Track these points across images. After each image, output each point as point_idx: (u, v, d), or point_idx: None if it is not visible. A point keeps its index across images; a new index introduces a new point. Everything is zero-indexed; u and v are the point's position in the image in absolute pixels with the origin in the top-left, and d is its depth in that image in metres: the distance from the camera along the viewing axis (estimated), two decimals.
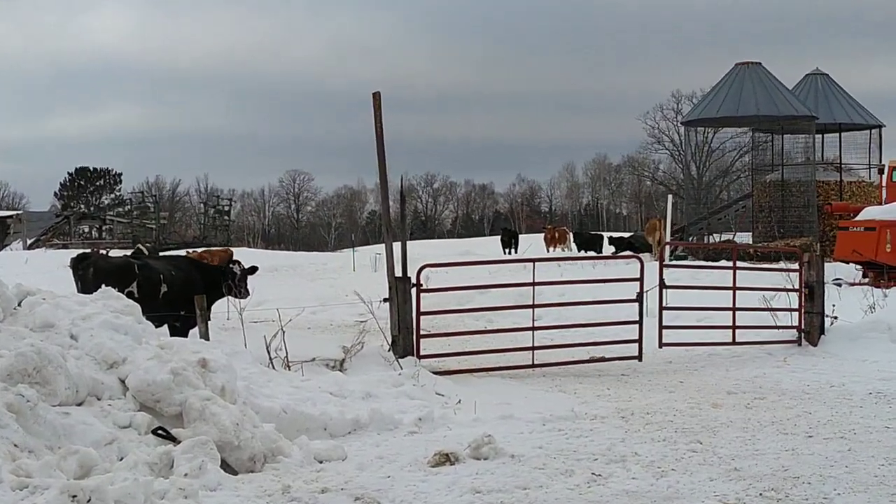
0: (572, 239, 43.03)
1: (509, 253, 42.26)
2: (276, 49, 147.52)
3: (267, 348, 12.10)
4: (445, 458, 8.14)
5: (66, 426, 7.74)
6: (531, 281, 14.62)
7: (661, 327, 15.02)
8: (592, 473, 7.77)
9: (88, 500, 6.28)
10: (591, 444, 8.87)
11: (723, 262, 22.92)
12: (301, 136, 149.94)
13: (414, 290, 13.73)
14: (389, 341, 13.72)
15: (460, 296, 18.21)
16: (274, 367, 11.83)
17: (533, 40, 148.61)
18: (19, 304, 9.73)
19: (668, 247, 26.47)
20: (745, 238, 36.80)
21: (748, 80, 34.99)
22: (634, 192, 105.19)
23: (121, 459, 7.54)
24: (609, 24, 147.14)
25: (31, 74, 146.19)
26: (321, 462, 8.33)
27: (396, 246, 14.03)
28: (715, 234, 37.41)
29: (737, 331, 15.52)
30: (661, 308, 15.12)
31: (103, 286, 10.83)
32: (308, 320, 17.75)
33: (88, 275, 13.59)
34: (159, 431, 8.27)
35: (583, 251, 40.63)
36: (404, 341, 13.56)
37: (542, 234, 44.78)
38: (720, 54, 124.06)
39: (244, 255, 31.57)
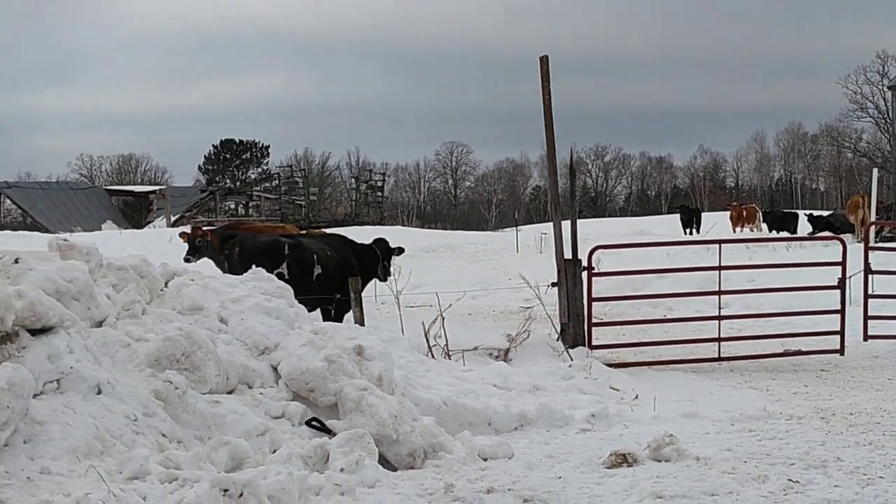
0: (762, 218, 42.15)
1: (690, 233, 41.72)
2: (435, 11, 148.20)
3: (426, 335, 12.24)
4: (622, 459, 8.08)
5: (217, 415, 7.99)
6: (716, 265, 14.40)
7: (867, 317, 14.60)
8: (789, 480, 7.61)
9: (240, 495, 6.44)
10: (787, 448, 8.67)
11: None
12: (459, 105, 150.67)
13: (585, 274, 13.68)
14: (558, 330, 13.71)
15: (636, 280, 18.05)
16: (433, 356, 11.97)
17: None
18: (166, 286, 10.09)
19: (873, 227, 25.62)
20: None
21: None
22: (833, 166, 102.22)
23: (273, 452, 7.74)
24: None
25: (175, 43, 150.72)
26: (486, 459, 8.38)
27: (565, 225, 13.99)
28: None
29: None
30: (867, 296, 14.68)
31: (253, 267, 11.12)
32: (468, 305, 17.89)
33: (234, 255, 13.96)
34: (313, 423, 8.46)
35: (775, 231, 39.81)
36: (574, 330, 13.53)
37: (728, 213, 43.99)
38: None
39: (398, 234, 32.01)
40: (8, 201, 73.91)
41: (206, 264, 15.88)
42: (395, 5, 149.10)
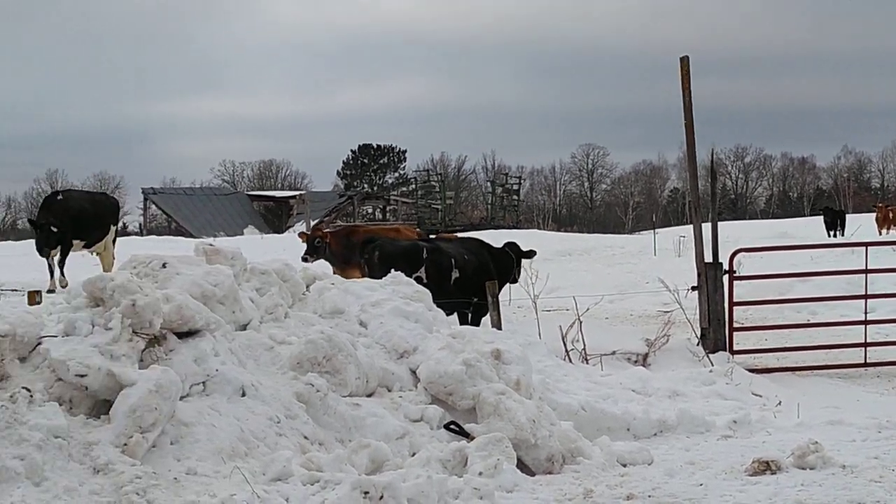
0: None
1: (834, 235, 40.73)
2: (573, 13, 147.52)
3: (563, 339, 12.21)
4: (766, 466, 7.94)
5: (357, 418, 8.09)
6: (862, 268, 14.05)
7: None
8: None
9: (381, 498, 6.51)
10: None
11: None
12: (596, 107, 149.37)
13: (726, 278, 13.49)
14: (698, 334, 13.55)
15: (778, 284, 17.74)
16: (570, 361, 11.94)
17: None
18: (307, 289, 10.26)
19: None
20: None
21: None
22: None
23: (412, 455, 7.80)
24: None
25: (317, 48, 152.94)
26: (625, 465, 8.32)
27: (705, 227, 13.82)
28: None
29: None
30: None
31: (391, 271, 11.22)
32: (605, 309, 17.76)
33: (374, 259, 14.11)
34: (452, 426, 8.50)
35: None
36: (715, 334, 13.36)
37: (874, 214, 42.82)
38: None
39: (534, 238, 31.97)
40: (153, 207, 76.02)
41: (321, 265, 16.23)
42: (533, 8, 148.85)
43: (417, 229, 25.09)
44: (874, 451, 8.64)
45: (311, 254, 17.63)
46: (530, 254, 15.82)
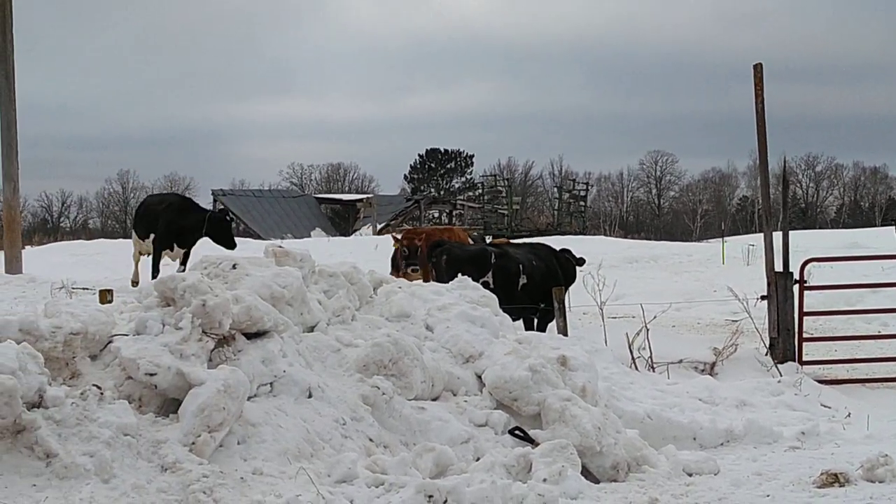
0: None
1: None
2: (643, 17, 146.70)
3: (629, 347, 12.15)
4: (834, 479, 7.84)
5: (422, 422, 8.11)
6: None
7: None
8: None
9: (445, 502, 6.54)
10: None
11: None
12: (665, 113, 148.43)
13: (796, 287, 13.35)
14: (767, 344, 13.42)
15: (849, 294, 17.53)
16: (637, 368, 11.88)
17: None
18: (374, 292, 10.30)
19: None
20: None
21: None
22: None
23: (477, 459, 7.81)
24: None
25: (390, 52, 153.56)
26: (690, 475, 8.26)
27: (775, 236, 13.69)
28: None
29: None
30: None
31: (459, 275, 11.23)
32: (672, 318, 17.63)
33: (442, 263, 14.12)
34: (516, 432, 8.49)
35: None
36: (784, 344, 13.23)
37: None
38: None
39: (601, 245, 31.83)
40: (223, 208, 76.75)
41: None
42: (602, 14, 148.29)
43: (474, 233, 25.05)
44: None
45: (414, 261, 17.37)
46: (581, 262, 15.82)
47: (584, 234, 56.44)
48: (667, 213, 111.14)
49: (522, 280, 14.27)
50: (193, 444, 6.70)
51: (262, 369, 7.60)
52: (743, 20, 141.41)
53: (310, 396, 7.67)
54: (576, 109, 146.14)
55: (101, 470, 6.29)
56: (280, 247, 9.72)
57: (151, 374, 7.08)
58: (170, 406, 7.14)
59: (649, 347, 12.28)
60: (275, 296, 8.37)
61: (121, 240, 41.14)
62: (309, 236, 58.12)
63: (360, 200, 77.00)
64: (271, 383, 7.62)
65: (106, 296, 10.10)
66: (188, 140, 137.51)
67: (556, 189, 79.82)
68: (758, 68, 13.42)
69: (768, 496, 7.60)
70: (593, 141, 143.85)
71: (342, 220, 76.02)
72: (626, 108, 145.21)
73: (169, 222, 17.52)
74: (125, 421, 6.67)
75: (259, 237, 53.14)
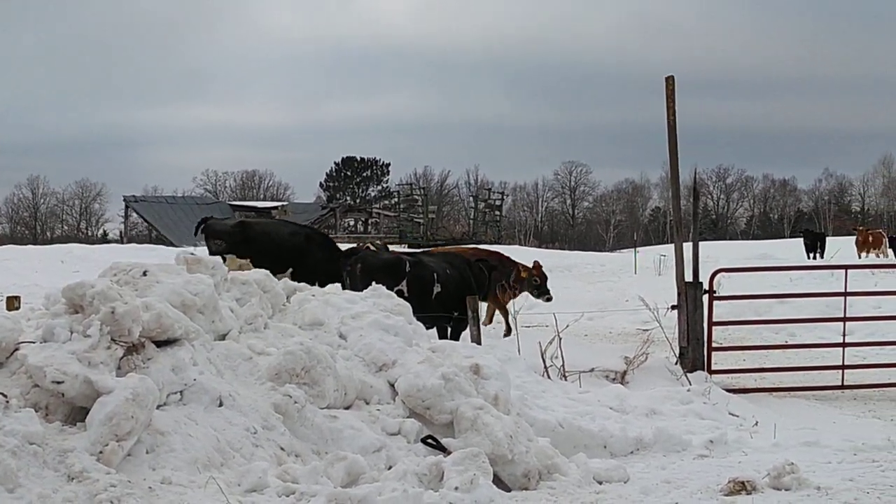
0: (889, 244, 41.14)
1: (814, 258, 40.87)
2: (561, 29, 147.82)
3: (542, 356, 12.21)
4: (741, 487, 7.95)
5: (334, 430, 8.07)
6: (841, 290, 14.11)
7: None
8: None
9: None
10: None
11: None
12: (580, 123, 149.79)
13: (706, 297, 13.52)
14: (677, 353, 13.58)
15: (758, 305, 17.80)
16: (549, 377, 11.94)
17: (864, 16, 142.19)
18: (288, 300, 10.24)
19: None
20: None
21: None
22: None
23: (389, 468, 7.78)
24: None
25: (308, 59, 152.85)
26: (601, 483, 8.31)
27: (686, 247, 13.85)
28: None
29: None
30: None
31: (373, 283, 11.21)
32: (585, 327, 17.79)
33: (356, 271, 14.09)
34: (429, 440, 8.48)
35: None
36: (694, 354, 13.39)
37: (854, 238, 43.04)
38: None
39: (515, 254, 31.93)
40: (134, 214, 75.79)
41: None
42: (520, 25, 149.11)
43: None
44: (849, 473, 8.66)
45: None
46: (493, 269, 16.01)
47: (500, 244, 56.68)
48: (581, 223, 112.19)
49: (437, 288, 14.31)
50: (101, 453, 6.59)
51: (172, 377, 7.51)
52: (659, 33, 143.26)
53: (220, 405, 7.59)
54: (492, 119, 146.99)
55: (5, 479, 6.16)
56: (192, 254, 9.62)
57: (59, 382, 6.96)
58: (77, 415, 7.02)
59: (562, 356, 12.35)
60: (186, 303, 8.28)
61: (30, 246, 40.49)
62: None
63: (275, 208, 76.59)
64: (181, 392, 7.52)
65: (13, 302, 9.94)
66: (100, 146, 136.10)
67: (471, 198, 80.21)
68: (669, 81, 13.58)
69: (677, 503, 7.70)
70: (509, 151, 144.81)
71: None
72: (542, 119, 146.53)
73: (318, 262, 16.04)
74: (31, 429, 6.53)
75: (172, 244, 52.51)
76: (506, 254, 19.04)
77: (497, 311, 18.15)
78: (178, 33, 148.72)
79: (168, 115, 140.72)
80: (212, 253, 16.35)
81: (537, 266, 17.96)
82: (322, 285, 11.94)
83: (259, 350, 8.66)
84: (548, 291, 17.78)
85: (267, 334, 9.12)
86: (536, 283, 17.80)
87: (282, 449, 7.63)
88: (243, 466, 7.08)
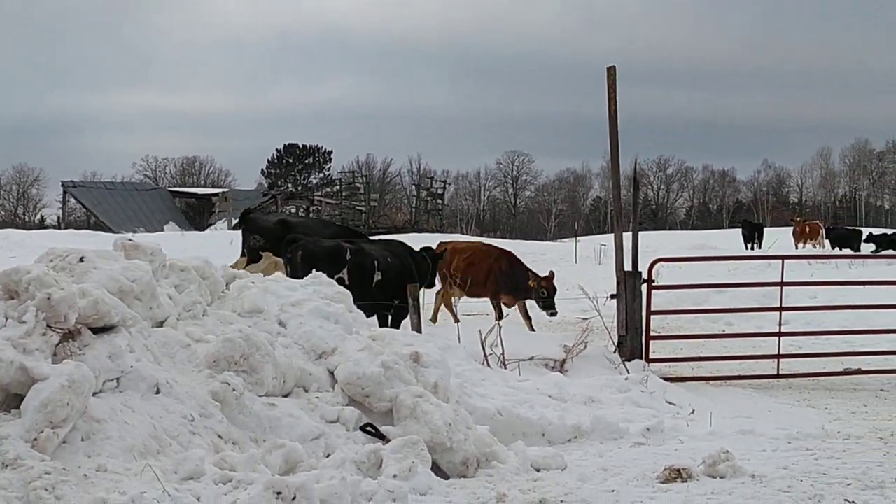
0: (825, 234, 41.71)
1: (752, 248, 41.35)
2: (506, 18, 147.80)
3: (482, 344, 12.23)
4: (677, 474, 8.03)
5: (272, 418, 8.04)
6: (778, 281, 14.26)
7: None
8: (845, 500, 7.51)
9: (293, 499, 6.48)
10: (844, 467, 8.56)
11: None
12: (523, 113, 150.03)
13: (644, 287, 13.61)
14: (615, 342, 13.66)
15: (696, 294, 17.95)
16: (489, 365, 11.96)
17: (804, 10, 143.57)
18: (227, 287, 10.19)
19: None
20: None
21: None
22: None
23: (327, 456, 7.77)
24: None
25: (252, 45, 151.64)
26: (538, 470, 8.35)
27: (626, 236, 13.94)
28: None
29: None
30: None
31: (313, 271, 11.19)
32: None
33: (297, 259, 14.04)
34: (368, 428, 8.49)
35: (837, 249, 39.36)
36: (632, 343, 13.48)
37: (791, 229, 43.59)
38: None
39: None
40: (73, 200, 74.90)
41: None
42: (465, 14, 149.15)
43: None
44: (783, 461, 8.77)
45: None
46: (441, 257, 15.98)
47: (441, 232, 56.73)
48: (522, 212, 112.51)
49: (377, 276, 14.31)
50: (36, 440, 6.51)
51: (109, 364, 7.43)
52: (603, 23, 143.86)
53: (158, 392, 7.53)
54: (436, 108, 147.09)
55: None
56: (130, 240, 9.52)
57: None
58: (12, 402, 6.94)
59: (501, 345, 12.38)
60: (123, 290, 8.20)
61: None
62: (162, 230, 57.20)
63: (216, 195, 76.08)
64: (118, 379, 7.45)
65: None
66: (39, 130, 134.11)
67: (414, 187, 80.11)
68: (611, 71, 13.63)
69: (613, 491, 7.74)
70: (452, 139, 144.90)
71: (197, 214, 74.97)
72: (486, 108, 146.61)
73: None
74: None
75: (110, 230, 52.00)
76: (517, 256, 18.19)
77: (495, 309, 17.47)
78: (120, 17, 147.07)
79: (109, 100, 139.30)
80: (249, 249, 16.20)
81: (549, 277, 16.95)
82: None
83: (197, 337, 8.60)
84: (553, 306, 16.70)
85: (206, 321, 9.07)
86: (544, 294, 16.75)
87: (219, 437, 7.60)
88: (180, 454, 7.03)
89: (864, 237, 40.31)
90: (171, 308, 8.94)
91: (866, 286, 15.51)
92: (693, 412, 11.01)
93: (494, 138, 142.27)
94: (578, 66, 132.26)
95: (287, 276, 13.21)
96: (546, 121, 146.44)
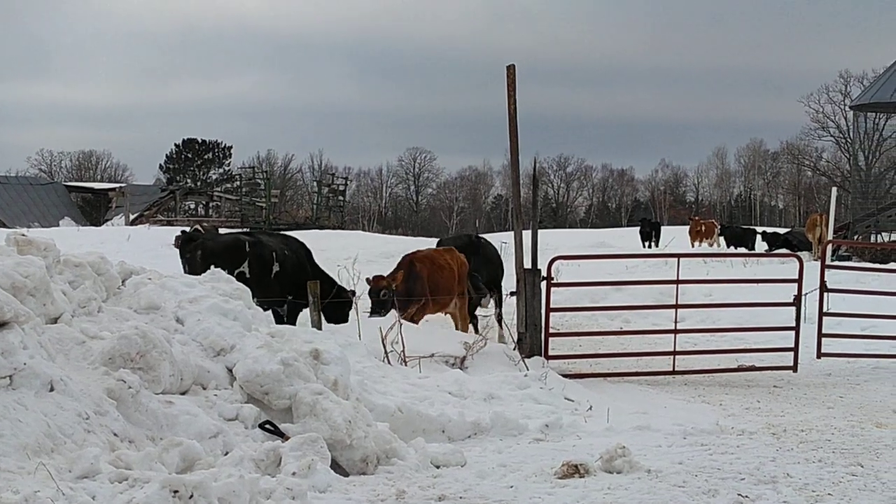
0: (720, 233, 42.45)
1: (649, 246, 41.92)
2: (409, 15, 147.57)
3: (382, 341, 12.22)
4: (574, 470, 8.11)
5: (169, 416, 7.95)
6: (674, 278, 14.48)
7: (821, 335, 14.70)
8: (738, 495, 7.66)
9: (191, 497, 6.41)
10: (738, 462, 8.73)
11: (892, 265, 22.32)
12: (426, 110, 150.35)
13: (543, 284, 13.72)
14: (515, 339, 13.75)
15: (594, 292, 18.15)
16: (389, 362, 11.96)
17: (703, 10, 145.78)
18: (123, 284, 10.04)
19: (830, 245, 25.88)
20: None
21: None
22: (793, 184, 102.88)
23: (226, 454, 7.71)
24: None
25: (153, 38, 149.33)
26: (438, 467, 8.38)
27: (525, 234, 14.03)
28: (884, 233, 36.48)
29: None
30: (822, 314, 14.79)
31: (212, 267, 11.08)
32: None
33: (196, 256, 13.92)
34: (267, 426, 8.44)
35: (732, 247, 40.09)
36: (531, 339, 13.58)
37: (687, 227, 44.26)
38: None
39: (358, 239, 31.92)
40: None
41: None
42: (368, 8, 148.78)
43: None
44: (679, 456, 8.91)
45: (379, 310, 14.65)
46: None
47: (343, 229, 56.58)
48: (424, 209, 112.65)
49: (276, 268, 14.27)
50: None
51: (1, 362, 7.26)
52: (506, 20, 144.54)
53: (51, 390, 7.39)
54: (338, 103, 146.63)
55: None
56: (23, 235, 9.34)
57: None
58: None
59: (402, 342, 12.38)
60: (16, 285, 8.03)
61: None
62: (58, 225, 56.14)
63: (113, 190, 74.88)
64: (10, 376, 7.29)
65: None
66: None
67: (315, 183, 79.69)
68: (511, 70, 13.70)
69: (512, 487, 7.80)
70: (354, 136, 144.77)
71: (93, 209, 73.62)
72: (388, 104, 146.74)
73: None
74: None
75: (4, 225, 50.89)
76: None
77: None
78: (15, 5, 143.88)
79: (3, 92, 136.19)
80: None
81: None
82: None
83: (92, 334, 8.47)
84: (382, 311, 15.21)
85: (101, 318, 8.93)
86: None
87: (115, 435, 7.48)
88: (75, 452, 6.92)
89: (758, 236, 41.10)
90: (66, 304, 8.78)
91: (760, 284, 15.84)
92: (591, 408, 11.11)
93: (397, 135, 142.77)
94: (481, 62, 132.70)
95: (185, 272, 13.10)
96: (448, 118, 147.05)
